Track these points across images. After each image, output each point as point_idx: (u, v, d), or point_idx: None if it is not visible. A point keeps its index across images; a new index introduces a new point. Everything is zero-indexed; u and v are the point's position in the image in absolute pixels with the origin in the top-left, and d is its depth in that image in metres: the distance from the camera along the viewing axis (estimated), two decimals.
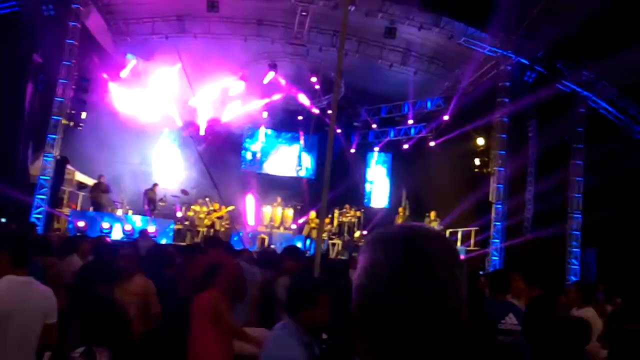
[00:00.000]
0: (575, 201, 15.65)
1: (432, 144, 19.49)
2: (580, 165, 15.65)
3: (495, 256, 15.08)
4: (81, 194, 16.00)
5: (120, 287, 4.24)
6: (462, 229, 16.72)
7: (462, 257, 0.96)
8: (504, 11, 12.74)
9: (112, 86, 16.33)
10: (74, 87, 14.29)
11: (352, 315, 0.93)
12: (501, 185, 15.41)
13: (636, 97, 15.28)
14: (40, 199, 13.39)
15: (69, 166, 15.04)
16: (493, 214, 15.35)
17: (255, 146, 21.86)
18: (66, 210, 14.82)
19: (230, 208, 16.64)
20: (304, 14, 14.98)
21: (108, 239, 10.79)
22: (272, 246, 15.51)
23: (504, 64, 15.47)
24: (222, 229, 16.18)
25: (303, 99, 19.41)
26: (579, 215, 15.54)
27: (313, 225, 15.91)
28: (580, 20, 11.68)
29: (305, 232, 16.62)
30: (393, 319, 0.87)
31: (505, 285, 4.67)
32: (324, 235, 16.15)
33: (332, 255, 16.02)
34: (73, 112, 14.22)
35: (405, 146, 21.26)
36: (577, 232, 15.57)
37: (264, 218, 18.02)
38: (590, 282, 12.59)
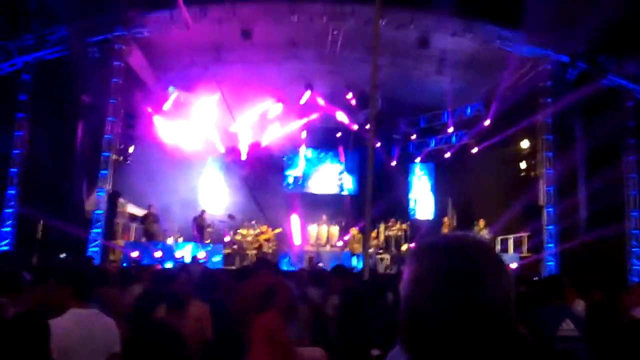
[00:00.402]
0: (632, 199, 15.01)
1: (474, 150, 19.15)
2: (633, 161, 15.04)
3: (551, 261, 14.58)
4: (133, 225, 16.55)
5: (177, 313, 4.36)
6: (514, 236, 16.27)
7: (508, 265, 0.96)
8: (538, 9, 12.50)
9: (157, 119, 16.93)
10: (121, 123, 14.92)
11: (401, 327, 0.94)
12: (550, 188, 14.96)
13: None
14: (96, 232, 13.94)
15: (120, 199, 15.63)
16: (544, 218, 14.89)
17: (296, 166, 22.07)
18: (120, 242, 15.36)
19: (277, 230, 16.84)
20: (335, 32, 15.16)
21: (162, 267, 11.13)
22: (320, 264, 15.55)
23: (543, 63, 15.11)
24: (270, 251, 16.36)
25: (341, 116, 19.52)
26: (637, 214, 14.88)
27: (356, 241, 15.91)
28: (619, 11, 11.34)
29: (350, 249, 16.60)
30: (441, 331, 0.87)
31: (560, 290, 4.53)
32: (371, 250, 16.06)
33: (381, 269, 15.88)
34: (122, 147, 14.84)
35: (447, 155, 20.97)
36: (637, 231, 14.90)
37: (310, 237, 18.11)
38: None
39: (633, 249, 14.82)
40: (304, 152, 21.80)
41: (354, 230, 16.15)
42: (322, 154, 22.25)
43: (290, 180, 21.90)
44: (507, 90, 16.54)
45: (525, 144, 16.03)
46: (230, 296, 5.18)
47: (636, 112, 15.09)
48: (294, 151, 21.67)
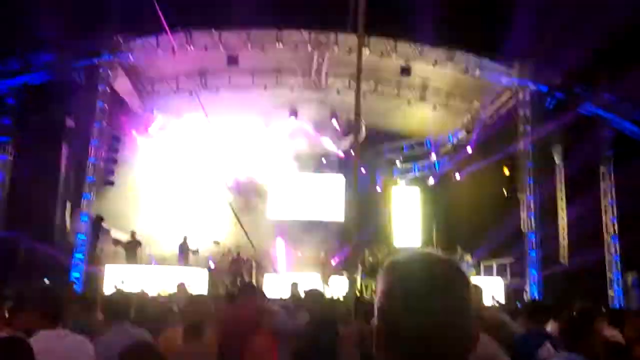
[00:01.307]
0: (611, 225, 15.31)
1: (457, 176, 19.43)
2: (611, 188, 15.39)
3: (534, 287, 14.72)
4: (117, 250, 16.36)
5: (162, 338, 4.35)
6: (497, 261, 16.43)
7: (471, 280, 1.08)
8: (517, 40, 12.93)
9: (142, 143, 16.93)
10: (105, 147, 14.89)
11: (375, 334, 1.05)
12: (532, 214, 15.20)
13: None
14: (79, 258, 13.75)
15: (104, 224, 15.47)
16: (527, 244, 15.09)
17: (282, 192, 22.08)
18: (103, 267, 15.14)
19: (252, 253, 16.77)
20: (320, 60, 15.46)
21: (146, 295, 10.98)
22: (305, 290, 15.47)
23: (522, 93, 15.54)
24: (252, 276, 16.27)
25: (326, 142, 19.70)
26: (616, 240, 15.16)
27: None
28: (594, 44, 11.78)
29: (322, 276, 16.60)
30: (410, 336, 0.99)
31: (541, 315, 4.63)
32: (357, 276, 16.05)
33: (367, 295, 15.85)
34: (106, 170, 14.77)
35: (431, 181, 21.23)
36: (616, 257, 15.15)
37: (295, 262, 18.05)
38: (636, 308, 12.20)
39: (612, 275, 15.03)
40: (290, 177, 21.86)
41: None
42: (308, 180, 22.32)
43: (277, 201, 21.89)
44: (488, 118, 16.95)
45: (506, 170, 16.33)
46: (217, 321, 5.17)
47: (613, 140, 15.52)
48: (279, 176, 21.73)
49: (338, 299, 10.95)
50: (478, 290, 4.92)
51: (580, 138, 14.94)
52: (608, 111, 15.35)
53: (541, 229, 15.17)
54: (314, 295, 5.83)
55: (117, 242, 16.62)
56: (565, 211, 16.16)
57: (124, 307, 5.43)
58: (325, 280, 16.24)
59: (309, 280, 16.26)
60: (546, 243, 15.05)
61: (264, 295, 7.29)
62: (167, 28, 13.29)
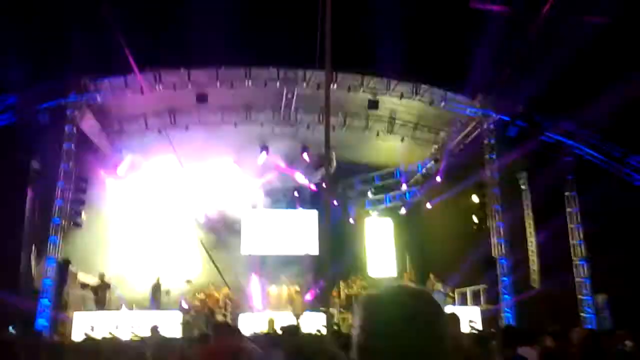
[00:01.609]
0: (578, 248, 15.66)
1: (428, 205, 19.69)
2: (576, 212, 15.82)
3: (508, 312, 14.84)
4: (85, 294, 15.85)
5: None
6: (470, 288, 16.56)
7: (443, 310, 1.12)
8: (479, 71, 13.41)
9: (110, 183, 16.66)
10: (72, 188, 14.58)
11: None
12: (502, 240, 15.44)
13: (618, 139, 15.76)
14: (44, 304, 13.27)
15: (71, 267, 15.02)
16: (499, 270, 15.28)
17: (255, 227, 21.94)
18: (71, 313, 14.64)
19: (224, 291, 16.50)
20: (289, 96, 15.67)
21: (118, 340, 10.64)
22: (284, 326, 15.24)
23: (486, 122, 16.02)
24: (226, 313, 15.96)
25: (298, 176, 19.78)
26: (584, 262, 15.50)
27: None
28: (553, 73, 12.30)
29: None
30: None
31: (515, 340, 4.69)
32: (333, 309, 15.93)
33: (344, 329, 15.69)
34: (73, 212, 14.43)
35: (403, 211, 21.45)
36: (586, 280, 15.45)
37: (271, 298, 17.82)
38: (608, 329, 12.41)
39: (583, 297, 15.29)
40: (262, 212, 21.77)
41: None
42: (280, 214, 22.26)
43: (249, 236, 21.70)
44: (455, 148, 17.36)
45: (475, 198, 16.65)
46: None
47: (575, 165, 16.05)
48: (251, 212, 21.62)
49: (315, 334, 10.82)
50: (455, 318, 4.96)
51: (544, 164, 15.40)
52: (568, 138, 15.93)
53: (512, 255, 15.41)
54: (291, 331, 5.77)
55: (85, 285, 16.14)
56: (534, 236, 16.48)
57: (94, 355, 5.26)
58: (297, 316, 16.04)
59: (285, 317, 16.07)
60: (517, 268, 15.26)
61: (240, 334, 7.17)
62: (136, 69, 13.32)
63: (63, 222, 14.03)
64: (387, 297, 1.11)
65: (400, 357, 1.02)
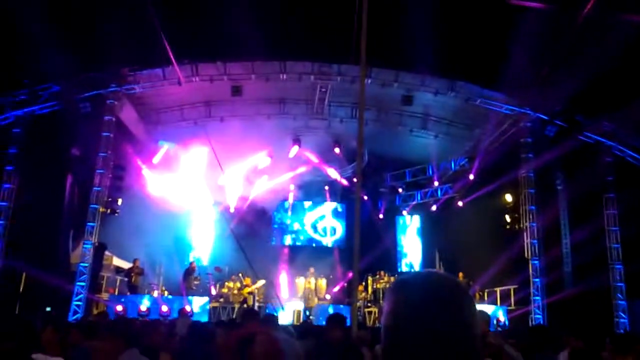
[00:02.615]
0: (615, 251, 15.26)
1: (460, 203, 19.47)
2: (614, 215, 15.40)
3: (539, 314, 14.61)
4: (119, 278, 16.36)
5: None
6: (500, 288, 16.34)
7: (474, 300, 1.13)
8: (517, 69, 13.11)
9: (146, 172, 17.08)
10: (110, 176, 15.02)
11: (382, 353, 1.09)
12: (535, 241, 15.19)
13: None
14: (80, 285, 13.75)
15: (107, 252, 15.51)
16: (531, 271, 15.03)
17: (285, 219, 22.16)
18: (105, 296, 15.13)
19: (261, 283, 16.72)
20: (323, 90, 15.69)
21: (148, 321, 10.96)
22: (311, 317, 15.41)
23: (523, 121, 15.71)
24: (255, 304, 16.20)
25: (329, 170, 19.83)
26: (620, 266, 15.10)
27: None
28: (593, 72, 11.96)
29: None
30: (417, 353, 1.03)
31: (545, 341, 4.64)
32: (359, 303, 15.98)
33: (370, 323, 15.75)
34: (110, 199, 14.86)
35: (434, 208, 21.26)
36: (621, 284, 15.06)
37: (298, 290, 17.99)
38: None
39: (618, 302, 14.91)
40: (293, 204, 21.96)
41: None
42: (311, 207, 22.42)
43: (278, 232, 21.94)
44: (490, 146, 17.06)
45: (509, 197, 16.39)
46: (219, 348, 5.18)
47: (615, 166, 15.60)
48: (282, 204, 21.83)
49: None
50: (484, 315, 4.94)
51: (582, 165, 15.00)
52: (608, 138, 15.48)
53: (545, 256, 15.13)
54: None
55: (119, 270, 16.66)
56: (568, 237, 16.12)
57: (131, 333, 5.47)
58: (309, 308, 16.20)
59: (315, 308, 16.21)
60: (550, 270, 14.98)
61: (272, 319, 7.28)
62: (174, 61, 13.56)
63: (100, 208, 14.48)
64: (419, 282, 1.11)
65: (429, 342, 1.02)
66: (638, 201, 13.84)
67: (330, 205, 22.03)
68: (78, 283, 13.75)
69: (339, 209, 22.20)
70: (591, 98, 14.16)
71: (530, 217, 15.34)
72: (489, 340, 4.38)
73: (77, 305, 13.54)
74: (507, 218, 16.15)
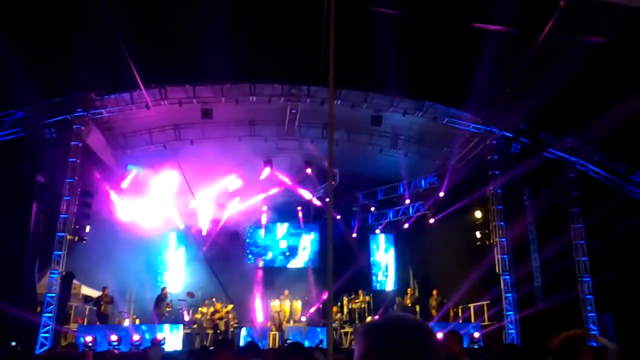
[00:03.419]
0: (582, 265, 15.61)
1: (431, 220, 19.69)
2: (580, 229, 15.79)
3: (512, 329, 14.78)
4: (87, 307, 15.91)
5: None
6: (474, 304, 16.50)
7: (439, 338, 1.18)
8: (482, 89, 13.47)
9: (115, 197, 16.77)
10: (77, 202, 14.68)
11: None
12: (505, 256, 15.44)
13: (622, 155, 15.76)
14: (48, 317, 13.31)
15: (74, 281, 15.09)
16: (502, 286, 15.23)
17: (257, 241, 22.00)
18: (73, 326, 14.67)
19: (229, 307, 16.49)
20: (293, 111, 15.79)
21: (116, 352, 10.68)
22: (288, 340, 15.22)
23: (489, 139, 16.08)
24: (228, 328, 15.93)
25: (301, 190, 19.83)
26: (588, 279, 15.44)
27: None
28: (554, 90, 12.36)
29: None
30: None
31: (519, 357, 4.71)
32: (335, 324, 15.91)
33: (346, 345, 15.65)
34: (77, 226, 14.51)
35: (406, 225, 21.44)
36: (590, 296, 15.38)
37: (273, 312, 17.79)
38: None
39: (588, 314, 15.21)
40: (265, 226, 21.84)
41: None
42: (283, 228, 22.33)
43: (251, 255, 21.76)
44: (458, 163, 17.41)
45: (478, 214, 16.65)
46: None
47: (579, 182, 16.05)
48: (255, 226, 21.69)
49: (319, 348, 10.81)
50: (458, 337, 5.00)
51: (547, 180, 15.40)
52: (571, 154, 15.95)
53: (515, 271, 15.37)
54: (296, 347, 5.78)
55: (88, 299, 16.21)
56: (537, 252, 16.44)
57: None
58: (282, 331, 16.05)
59: (289, 330, 16.05)
60: (521, 284, 15.21)
61: (241, 349, 7.18)
62: (141, 85, 13.45)
63: (67, 236, 14.12)
64: (386, 327, 1.15)
65: None
66: (603, 215, 14.27)
67: (302, 226, 21.98)
68: (45, 314, 13.33)
69: (312, 229, 22.16)
70: (554, 115, 14.60)
71: (500, 232, 15.61)
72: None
73: (45, 337, 13.10)
74: (478, 234, 16.39)
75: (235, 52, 12.92)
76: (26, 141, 14.15)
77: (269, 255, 21.97)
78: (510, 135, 15.64)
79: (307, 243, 22.28)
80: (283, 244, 22.26)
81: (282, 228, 22.29)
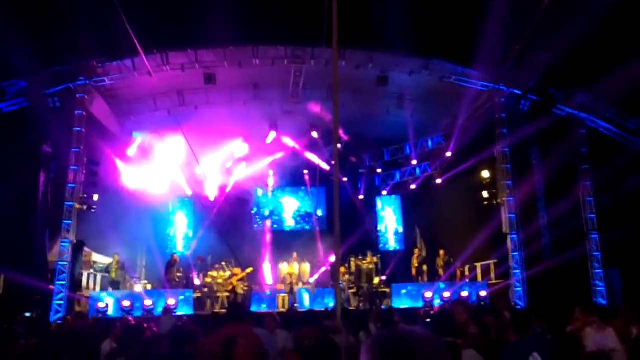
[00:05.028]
0: (591, 222, 15.58)
1: (438, 181, 19.61)
2: (589, 186, 15.69)
3: (519, 287, 14.91)
4: (99, 274, 16.17)
5: None
6: (481, 263, 16.60)
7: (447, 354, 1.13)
8: (490, 46, 13.12)
9: (121, 165, 16.78)
10: (84, 171, 14.71)
11: None
12: (512, 215, 15.41)
13: (633, 111, 15.48)
14: (61, 284, 13.56)
15: (85, 249, 15.28)
16: (509, 245, 15.28)
17: (265, 205, 22.08)
18: (86, 293, 14.95)
19: (249, 270, 16.71)
20: (297, 73, 15.50)
21: (131, 319, 10.88)
22: (296, 305, 15.47)
23: (497, 97, 15.79)
24: (242, 292, 16.17)
25: (307, 154, 19.73)
26: (596, 236, 15.44)
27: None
28: (565, 46, 12.04)
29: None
30: None
31: (527, 324, 4.70)
32: (343, 284, 16.08)
33: (353, 305, 15.88)
34: (85, 195, 14.58)
35: (413, 186, 21.38)
36: (598, 253, 15.42)
37: (282, 275, 18.01)
38: (616, 303, 12.41)
39: (595, 271, 15.28)
40: (272, 190, 21.86)
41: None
42: (290, 192, 22.35)
43: (259, 219, 21.87)
44: (466, 122, 17.15)
45: (486, 173, 16.53)
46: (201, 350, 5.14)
47: (589, 138, 15.84)
48: (262, 190, 21.72)
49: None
50: (465, 307, 4.99)
51: (556, 138, 15.18)
52: (582, 110, 15.67)
53: (522, 230, 15.38)
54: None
55: (99, 266, 16.45)
56: (545, 210, 16.38)
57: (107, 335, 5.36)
58: (293, 293, 16.22)
59: (299, 293, 16.28)
60: (528, 243, 15.24)
61: (250, 316, 7.26)
62: (142, 52, 13.22)
63: (76, 205, 14.21)
64: (395, 340, 1.12)
65: None
66: (612, 172, 14.13)
67: (309, 188, 21.98)
68: (58, 282, 13.57)
69: (319, 192, 22.17)
70: (564, 71, 14.28)
71: (507, 192, 15.53)
72: (471, 330, 4.43)
73: (59, 305, 13.38)
74: (485, 194, 16.32)
75: (236, 15, 12.63)
76: (30, 111, 14.07)
77: (277, 219, 22.07)
78: (519, 93, 15.33)
79: (314, 206, 22.34)
80: (290, 208, 22.32)
81: (289, 192, 22.31)
